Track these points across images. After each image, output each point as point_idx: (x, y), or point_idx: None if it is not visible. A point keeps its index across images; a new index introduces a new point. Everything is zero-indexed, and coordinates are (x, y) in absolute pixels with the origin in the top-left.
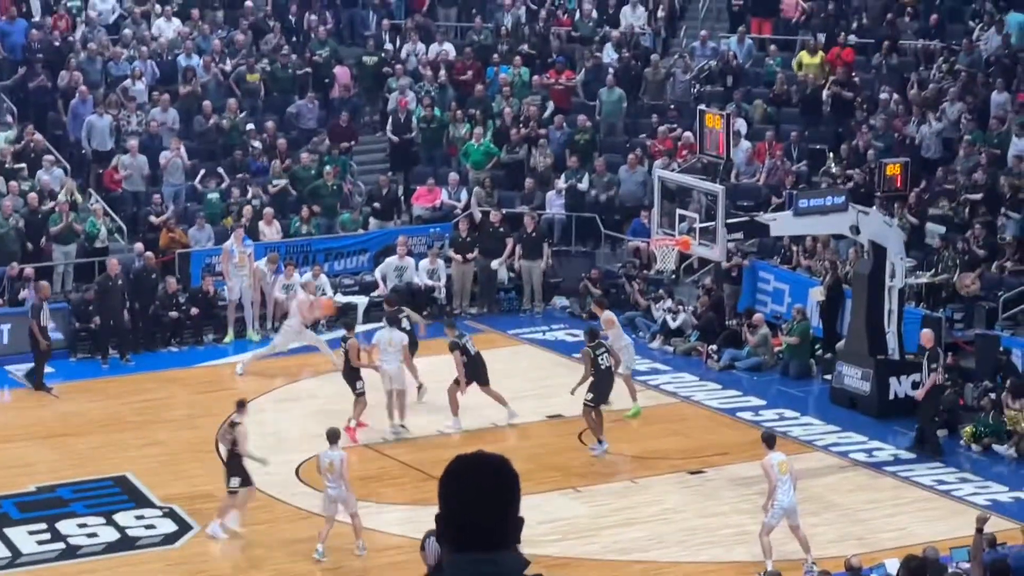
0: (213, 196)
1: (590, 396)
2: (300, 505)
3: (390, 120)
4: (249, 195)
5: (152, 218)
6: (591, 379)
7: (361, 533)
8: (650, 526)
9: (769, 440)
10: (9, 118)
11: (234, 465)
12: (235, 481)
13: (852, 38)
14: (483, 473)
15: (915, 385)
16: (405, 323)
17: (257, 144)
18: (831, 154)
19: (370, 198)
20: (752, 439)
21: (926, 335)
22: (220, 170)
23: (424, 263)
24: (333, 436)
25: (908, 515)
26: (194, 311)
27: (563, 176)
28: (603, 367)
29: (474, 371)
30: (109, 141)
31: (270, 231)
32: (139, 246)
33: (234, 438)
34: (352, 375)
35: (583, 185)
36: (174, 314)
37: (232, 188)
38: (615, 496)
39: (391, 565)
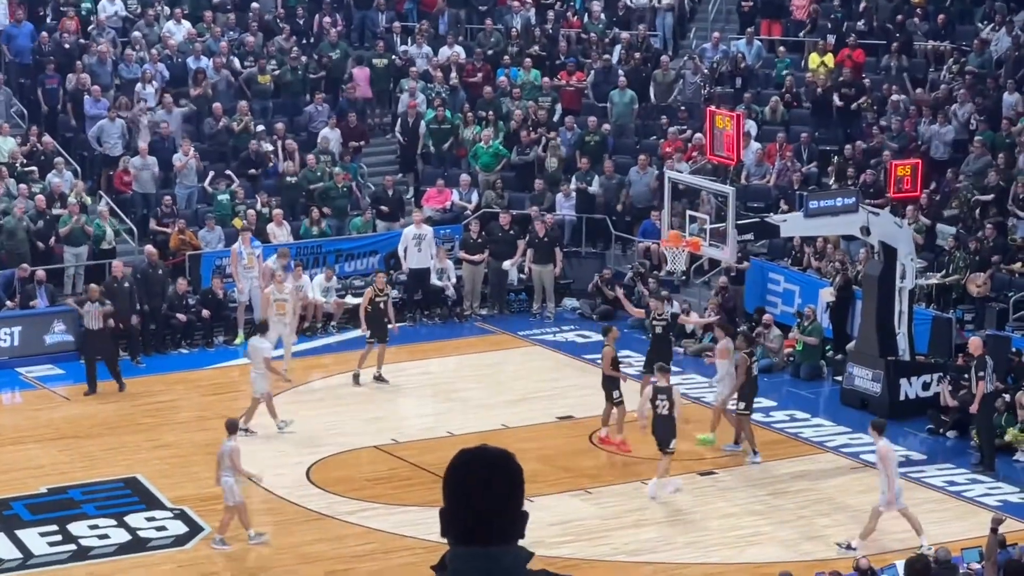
0: (223, 198)
1: (742, 405)
2: (311, 507)
3: (399, 122)
4: (257, 202)
5: (152, 223)
6: (742, 387)
7: (227, 529)
8: (661, 527)
9: (880, 427)
10: (19, 121)
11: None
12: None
13: (853, 38)
14: (487, 466)
15: (925, 386)
16: None
17: (268, 146)
18: (835, 157)
19: (376, 200)
20: (763, 440)
21: (974, 342)
22: (229, 172)
23: (410, 229)
24: (231, 427)
25: (919, 516)
26: (204, 313)
27: (573, 178)
28: (754, 374)
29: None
30: (119, 143)
31: (280, 232)
32: (148, 248)
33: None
34: (610, 383)
35: (594, 188)
36: (183, 317)
37: (238, 190)
38: (626, 497)
39: (402, 567)
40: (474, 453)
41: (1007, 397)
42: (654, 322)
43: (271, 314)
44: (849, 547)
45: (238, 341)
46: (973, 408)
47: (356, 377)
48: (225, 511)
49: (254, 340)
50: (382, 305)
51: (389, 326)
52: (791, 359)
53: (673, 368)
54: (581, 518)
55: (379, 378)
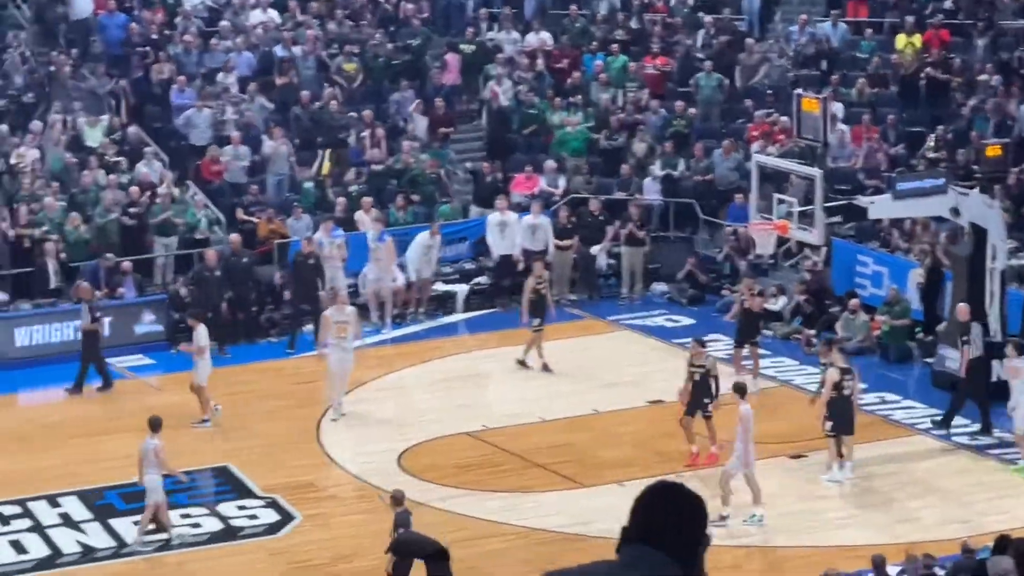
0: (309, 185)
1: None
2: None
3: (485, 108)
4: (347, 185)
5: (239, 212)
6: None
7: (146, 523)
8: (752, 511)
9: (741, 390)
10: (107, 112)
11: None
12: None
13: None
14: (680, 497)
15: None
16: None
17: (355, 133)
18: (931, 136)
19: (471, 186)
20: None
21: (961, 309)
22: (320, 160)
23: (527, 218)
24: (154, 424)
25: (1013, 498)
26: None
27: (659, 163)
28: (845, 393)
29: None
30: (207, 133)
31: (368, 220)
32: (233, 237)
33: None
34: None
35: (679, 169)
36: (276, 314)
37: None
38: (717, 481)
39: (492, 553)
40: (671, 485)
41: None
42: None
43: (330, 338)
44: (721, 518)
45: None
46: (962, 372)
47: (545, 366)
48: (146, 508)
49: (202, 329)
50: (543, 291)
51: (550, 311)
52: (880, 341)
53: (761, 351)
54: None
55: (521, 363)
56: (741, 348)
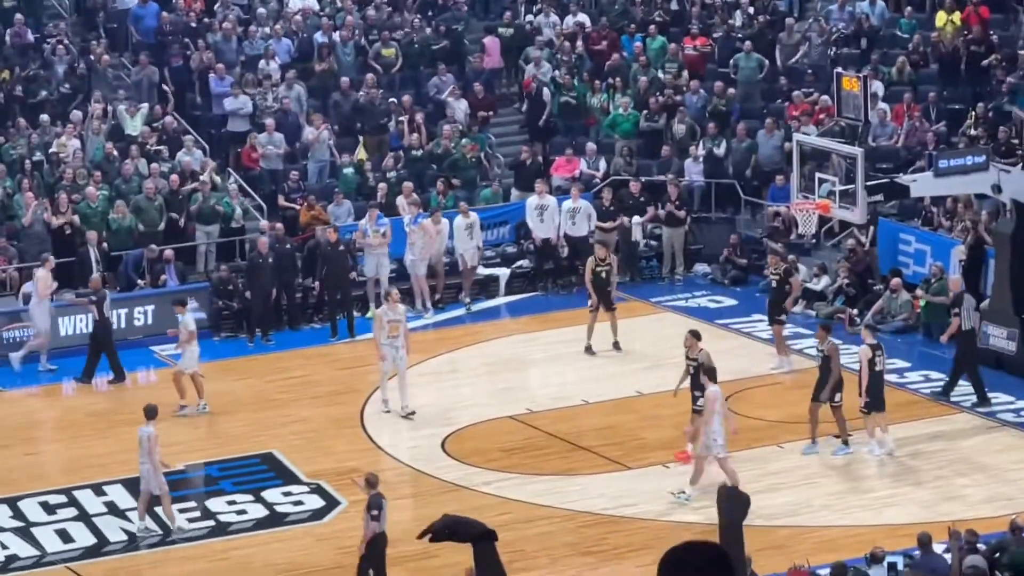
0: (348, 171)
1: (836, 397)
2: (446, 478)
3: (525, 93)
4: (386, 171)
5: (280, 199)
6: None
7: (144, 511)
8: (796, 491)
9: (711, 373)
10: (147, 101)
11: None
12: None
13: None
14: (704, 558)
15: None
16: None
17: (401, 119)
18: (971, 113)
19: (512, 169)
20: (897, 402)
21: (954, 281)
22: (360, 146)
23: (567, 203)
24: (150, 412)
25: None
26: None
27: (700, 143)
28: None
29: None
30: (246, 120)
31: (404, 203)
32: (264, 224)
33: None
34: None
35: (720, 151)
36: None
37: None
38: (761, 462)
39: (539, 535)
40: (697, 546)
41: None
42: (771, 275)
43: (383, 337)
44: (682, 493)
45: (369, 314)
46: (944, 339)
47: (588, 348)
48: (142, 495)
49: (189, 315)
50: (604, 275)
51: (612, 294)
52: (921, 319)
53: (804, 331)
54: (714, 482)
55: (616, 345)
56: (779, 325)
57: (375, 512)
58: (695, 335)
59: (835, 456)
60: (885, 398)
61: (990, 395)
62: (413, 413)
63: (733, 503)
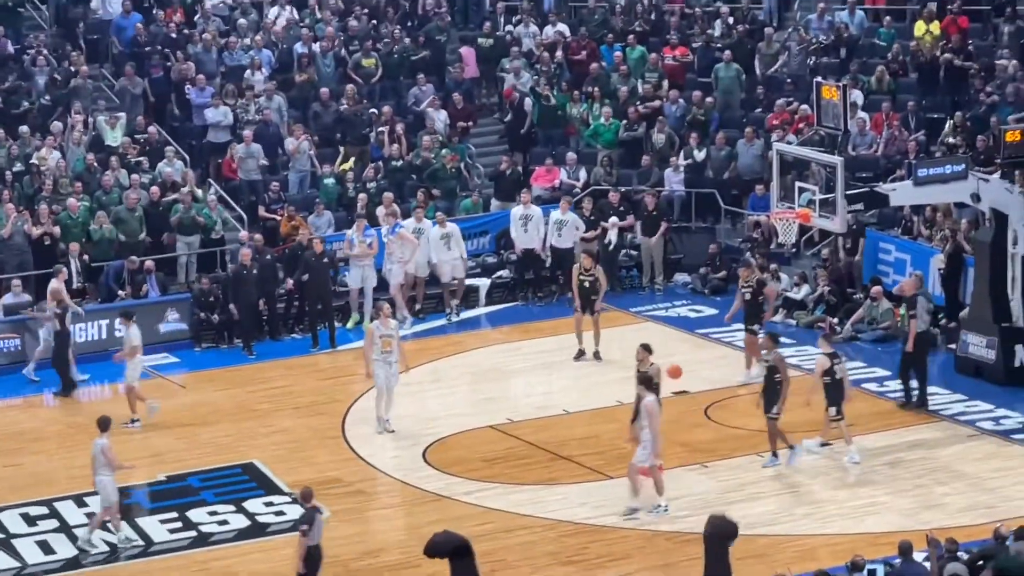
0: (329, 181)
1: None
2: (428, 488)
3: (506, 103)
4: (367, 182)
5: (261, 209)
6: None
7: (118, 523)
8: (778, 499)
9: (646, 381)
10: (126, 112)
11: None
12: None
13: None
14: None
15: None
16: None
17: (381, 130)
18: (950, 121)
19: (492, 179)
20: (877, 410)
21: (907, 283)
22: (341, 156)
23: (555, 214)
24: (102, 424)
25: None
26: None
27: (681, 153)
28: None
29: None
30: (226, 131)
31: (383, 213)
32: (243, 234)
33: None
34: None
35: (700, 154)
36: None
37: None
38: (742, 471)
39: (520, 545)
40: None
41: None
42: (742, 288)
43: (374, 353)
44: (658, 507)
45: (349, 325)
46: (909, 347)
47: (581, 353)
48: (100, 511)
49: (134, 328)
50: (587, 284)
51: (598, 303)
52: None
53: (785, 340)
54: (699, 492)
55: (596, 355)
56: (752, 335)
57: (305, 527)
58: (646, 348)
59: (765, 468)
60: (844, 407)
61: (971, 403)
62: (393, 431)
63: (720, 528)
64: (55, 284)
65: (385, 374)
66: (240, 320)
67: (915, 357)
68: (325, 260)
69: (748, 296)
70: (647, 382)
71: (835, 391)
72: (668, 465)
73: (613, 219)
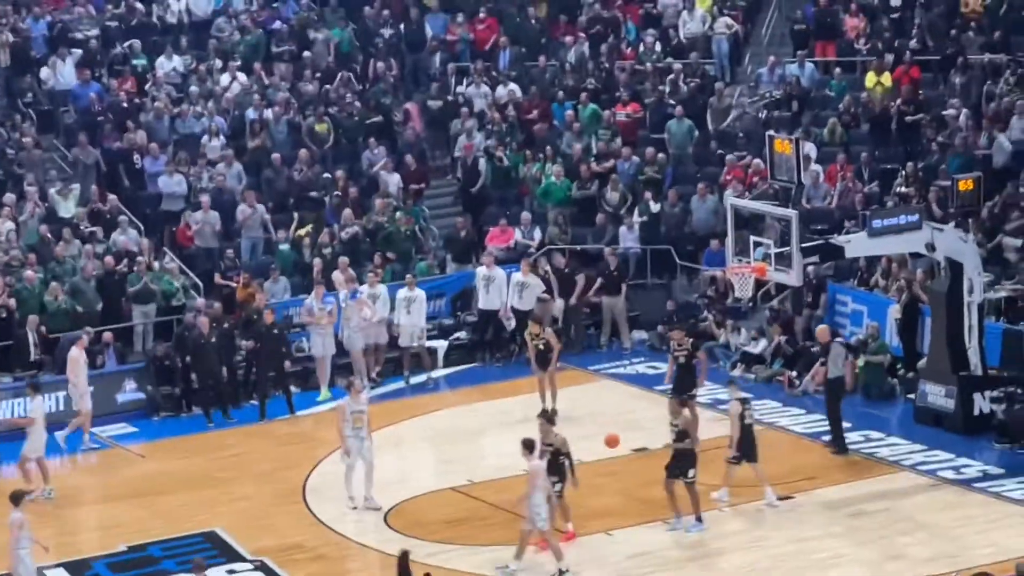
0: (284, 247)
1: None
2: (391, 552)
3: (459, 164)
4: (322, 247)
5: (217, 276)
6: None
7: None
8: (741, 554)
9: (529, 445)
10: (79, 183)
11: None
12: None
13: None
14: None
15: (996, 400)
16: None
17: (336, 194)
18: (902, 173)
19: (447, 242)
20: (839, 463)
21: (821, 331)
22: (295, 222)
23: (516, 276)
24: (14, 498)
25: (1001, 530)
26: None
27: (636, 210)
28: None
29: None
30: (180, 199)
31: (341, 279)
32: (200, 302)
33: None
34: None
35: (655, 206)
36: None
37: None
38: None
39: None
40: None
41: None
42: (675, 352)
43: (346, 429)
44: (506, 567)
45: (320, 398)
46: (812, 388)
47: (551, 411)
48: None
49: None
50: (540, 347)
51: (554, 361)
52: (859, 378)
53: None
54: (660, 549)
55: (554, 412)
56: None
57: None
58: (548, 419)
59: (690, 533)
60: (758, 449)
61: (931, 452)
62: (379, 508)
63: None
64: (75, 351)
65: (358, 449)
66: (199, 389)
67: (827, 402)
68: (275, 331)
69: (683, 360)
70: (529, 446)
71: (746, 435)
72: (629, 523)
73: (558, 302)
